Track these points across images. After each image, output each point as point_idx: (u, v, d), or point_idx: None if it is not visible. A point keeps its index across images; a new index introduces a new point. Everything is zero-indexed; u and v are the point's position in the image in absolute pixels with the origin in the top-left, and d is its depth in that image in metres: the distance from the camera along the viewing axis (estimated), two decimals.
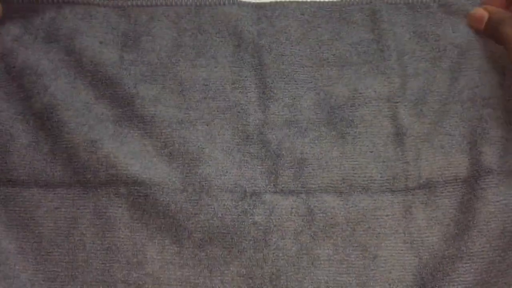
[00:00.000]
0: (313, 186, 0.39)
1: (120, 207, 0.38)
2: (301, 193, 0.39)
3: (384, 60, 0.42)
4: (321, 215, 0.38)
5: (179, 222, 0.38)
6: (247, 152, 0.40)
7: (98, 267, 0.37)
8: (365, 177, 0.39)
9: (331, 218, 0.38)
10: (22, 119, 0.40)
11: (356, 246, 0.38)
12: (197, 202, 0.38)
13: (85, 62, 0.41)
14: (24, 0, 0.43)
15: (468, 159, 0.39)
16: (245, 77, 0.42)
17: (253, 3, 0.44)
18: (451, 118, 0.40)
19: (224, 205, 0.38)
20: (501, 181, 0.38)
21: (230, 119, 0.41)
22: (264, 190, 0.39)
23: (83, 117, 0.40)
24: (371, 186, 0.39)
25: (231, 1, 0.44)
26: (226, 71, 0.42)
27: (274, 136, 0.40)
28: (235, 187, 0.39)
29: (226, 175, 0.39)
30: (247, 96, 0.41)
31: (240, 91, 0.41)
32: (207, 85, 0.42)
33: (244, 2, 0.44)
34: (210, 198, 0.38)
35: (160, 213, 0.38)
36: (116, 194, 0.38)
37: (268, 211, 0.38)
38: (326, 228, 0.38)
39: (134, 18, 0.43)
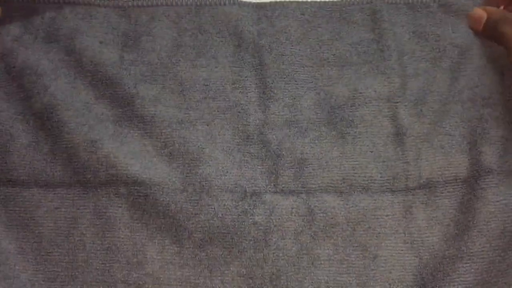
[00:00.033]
0: (313, 186, 0.39)
1: (120, 207, 0.38)
2: (301, 193, 0.39)
3: (384, 60, 0.42)
4: (321, 215, 0.38)
5: (179, 222, 0.38)
6: (247, 152, 0.40)
7: (98, 267, 0.37)
8: (365, 177, 0.39)
9: (331, 218, 0.38)
10: (22, 119, 0.40)
11: (356, 246, 0.38)
12: (197, 202, 0.38)
13: (85, 62, 0.41)
14: (24, 0, 0.43)
15: (468, 159, 0.39)
16: (245, 77, 0.42)
17: (253, 3, 0.44)
18: (451, 118, 0.40)
19: (224, 205, 0.38)
20: (501, 181, 0.38)
21: (231, 119, 0.41)
22: (264, 190, 0.39)
23: (83, 117, 0.40)
24: (371, 186, 0.39)
25: (231, 1, 0.44)
26: (227, 71, 0.42)
27: (274, 136, 0.40)
28: (235, 187, 0.39)
29: (226, 175, 0.39)
30: (247, 96, 0.41)
31: (240, 91, 0.41)
32: (207, 85, 0.42)
33: (244, 2, 0.44)
34: (210, 198, 0.38)
35: (160, 213, 0.38)
36: (116, 194, 0.38)
37: (268, 211, 0.38)
38: (326, 228, 0.38)
39: (135, 18, 0.43)
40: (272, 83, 0.41)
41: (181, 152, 0.40)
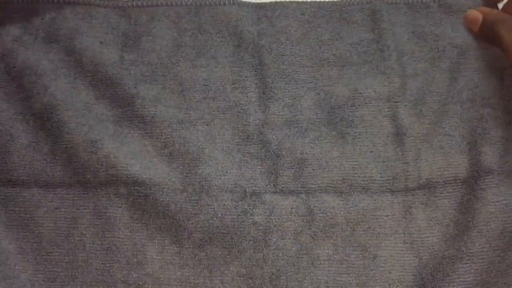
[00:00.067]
0: (313, 186, 0.39)
1: (120, 207, 0.38)
2: (301, 193, 0.39)
3: (384, 60, 0.42)
4: (321, 215, 0.38)
5: (179, 222, 0.38)
6: (247, 152, 0.40)
7: (98, 267, 0.37)
8: (365, 177, 0.39)
9: (331, 218, 0.38)
10: (22, 119, 0.40)
11: (356, 246, 0.38)
12: (197, 202, 0.38)
13: (85, 62, 0.41)
14: (24, 0, 0.43)
15: (468, 160, 0.39)
16: (245, 77, 0.42)
17: (253, 3, 0.44)
18: (450, 119, 0.40)
19: (224, 205, 0.38)
20: (501, 181, 0.38)
21: (230, 119, 0.41)
22: (264, 190, 0.39)
23: (83, 117, 0.40)
24: (371, 186, 0.39)
25: (231, 1, 0.44)
26: (226, 71, 0.42)
27: (274, 136, 0.40)
28: (235, 187, 0.39)
29: (226, 175, 0.39)
30: (247, 96, 0.41)
31: (240, 91, 0.41)
32: (207, 85, 0.42)
33: (244, 2, 0.44)
34: (210, 198, 0.38)
35: (160, 213, 0.38)
36: (116, 194, 0.38)
37: (268, 211, 0.38)
38: (326, 228, 0.38)
39: (134, 18, 0.43)
40: (272, 83, 0.41)
41: (181, 152, 0.40)
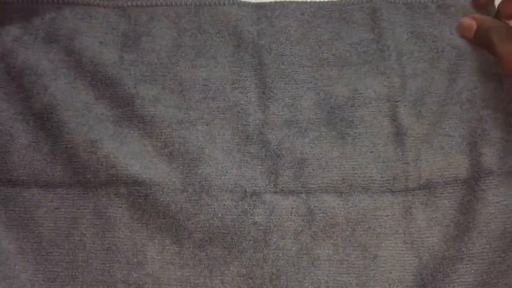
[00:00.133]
0: (313, 186, 0.39)
1: (120, 207, 0.38)
2: (301, 193, 0.39)
3: (384, 60, 0.42)
4: (321, 215, 0.38)
5: (179, 222, 0.38)
6: (247, 152, 0.40)
7: (98, 267, 0.37)
8: (365, 177, 0.39)
9: (331, 218, 0.38)
10: (22, 119, 0.40)
11: (356, 246, 0.38)
12: (197, 202, 0.38)
13: (85, 62, 0.41)
14: (24, 0, 0.43)
15: (468, 160, 0.39)
16: (245, 77, 0.42)
17: (253, 3, 0.44)
18: (450, 119, 0.40)
19: (224, 205, 0.38)
20: (501, 182, 0.38)
21: (230, 119, 0.41)
22: (264, 190, 0.39)
23: (83, 117, 0.40)
24: (371, 186, 0.39)
25: (231, 1, 0.44)
26: (226, 71, 0.42)
27: (274, 136, 0.40)
28: (235, 187, 0.39)
29: (226, 175, 0.39)
30: (247, 96, 0.41)
31: (240, 91, 0.41)
32: (207, 85, 0.42)
33: (244, 2, 0.44)
34: (210, 198, 0.38)
35: (160, 213, 0.38)
36: (116, 194, 0.38)
37: (268, 211, 0.38)
38: (326, 228, 0.38)
39: (134, 18, 0.43)
40: (272, 83, 0.41)
41: (181, 152, 0.40)
